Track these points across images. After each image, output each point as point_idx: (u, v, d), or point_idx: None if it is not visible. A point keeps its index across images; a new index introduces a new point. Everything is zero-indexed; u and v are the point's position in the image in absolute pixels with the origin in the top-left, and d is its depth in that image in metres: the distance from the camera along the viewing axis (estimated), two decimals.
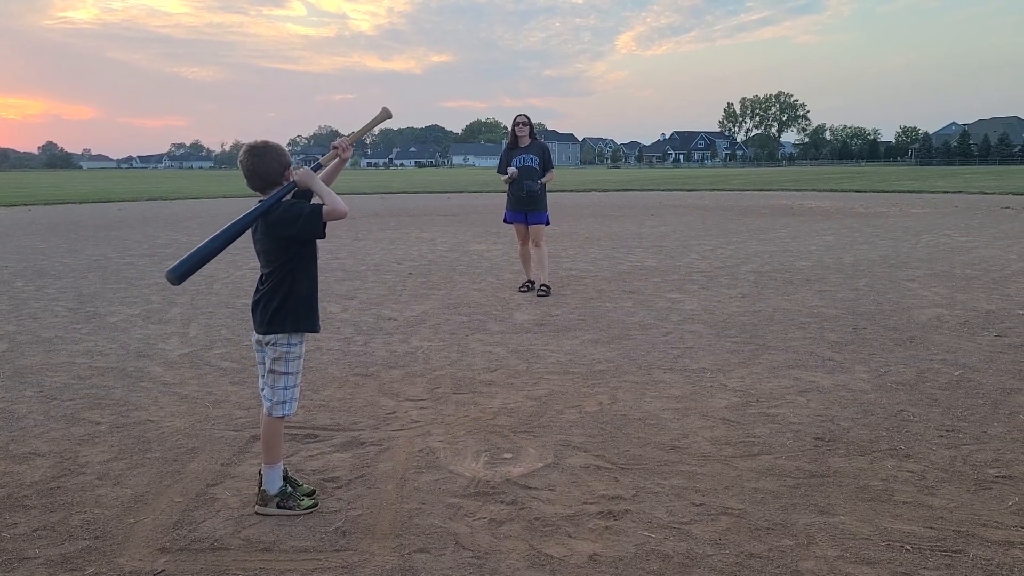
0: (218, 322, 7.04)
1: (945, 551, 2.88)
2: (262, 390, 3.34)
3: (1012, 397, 4.67)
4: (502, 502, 3.33)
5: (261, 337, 3.26)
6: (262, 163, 3.17)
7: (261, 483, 3.29)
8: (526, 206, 8.28)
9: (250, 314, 3.34)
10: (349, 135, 3.45)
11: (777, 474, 3.59)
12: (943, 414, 4.38)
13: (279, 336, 3.22)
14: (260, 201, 3.15)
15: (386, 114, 3.53)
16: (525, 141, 8.31)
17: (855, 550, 2.89)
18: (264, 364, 3.30)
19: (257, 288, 3.28)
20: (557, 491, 3.43)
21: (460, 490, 3.45)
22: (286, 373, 3.25)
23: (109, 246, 13.50)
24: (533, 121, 8.40)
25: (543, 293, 8.18)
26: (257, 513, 3.23)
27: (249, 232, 3.18)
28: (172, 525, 3.13)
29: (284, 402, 3.28)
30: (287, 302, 3.20)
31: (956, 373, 5.17)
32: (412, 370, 5.44)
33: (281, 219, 3.12)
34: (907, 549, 2.89)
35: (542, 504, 3.30)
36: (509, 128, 8.55)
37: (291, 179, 3.17)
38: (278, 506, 3.24)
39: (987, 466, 3.65)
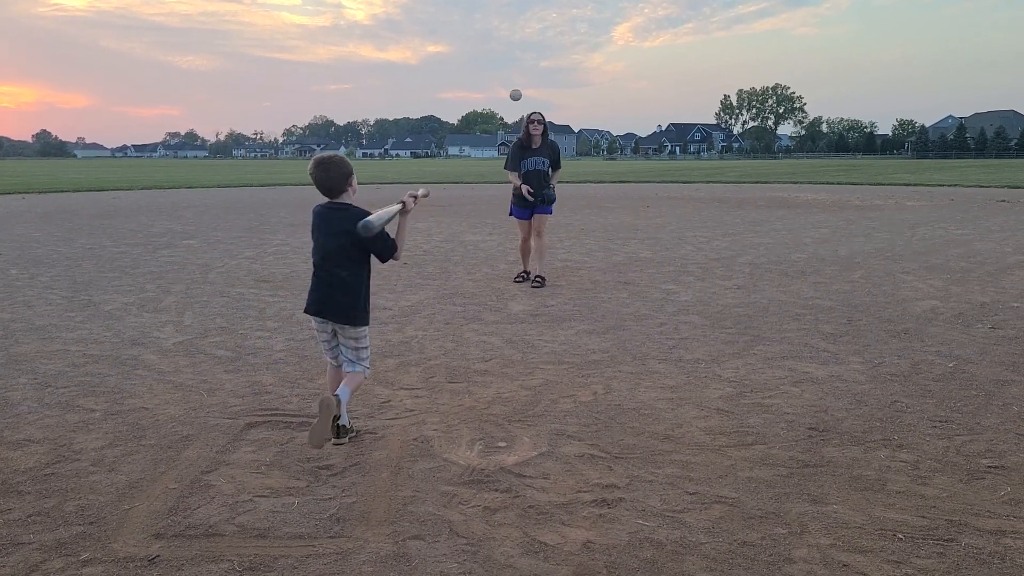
0: (213, 311, 7.03)
1: (937, 540, 2.89)
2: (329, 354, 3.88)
3: (1005, 389, 4.69)
4: (496, 490, 3.33)
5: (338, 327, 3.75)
6: (327, 176, 3.67)
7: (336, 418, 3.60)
8: (534, 204, 8.17)
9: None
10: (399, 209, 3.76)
11: (770, 464, 3.60)
12: (937, 405, 4.40)
13: (363, 328, 3.78)
14: (328, 206, 3.70)
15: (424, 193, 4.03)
16: (538, 141, 8.06)
17: (848, 539, 2.91)
18: (330, 341, 3.83)
19: (328, 281, 3.68)
20: (551, 479, 3.44)
21: (454, 478, 3.46)
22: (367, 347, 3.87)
23: (104, 234, 13.46)
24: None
25: (538, 284, 8.16)
26: (336, 443, 3.69)
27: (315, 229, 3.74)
28: (167, 511, 3.14)
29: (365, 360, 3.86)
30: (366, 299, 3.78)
31: (950, 365, 5.19)
32: (407, 359, 5.44)
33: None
34: (899, 538, 2.91)
35: (536, 492, 3.31)
36: (523, 123, 8.19)
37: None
38: (337, 431, 3.62)
39: (980, 456, 3.67)
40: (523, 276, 8.53)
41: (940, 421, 4.14)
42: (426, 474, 3.50)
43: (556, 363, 5.31)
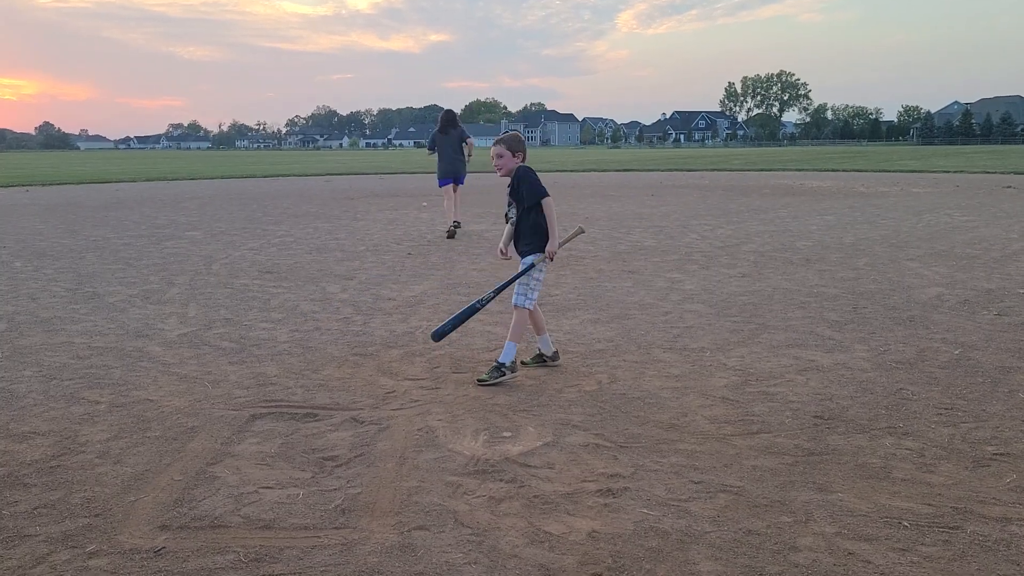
0: (216, 302, 7.04)
1: (943, 527, 2.89)
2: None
3: (1011, 376, 4.67)
4: (501, 480, 3.33)
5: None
6: (518, 142, 4.83)
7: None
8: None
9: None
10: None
11: (776, 452, 3.60)
12: (942, 392, 4.39)
13: (539, 255, 4.76)
14: (511, 198, 4.86)
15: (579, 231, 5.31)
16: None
17: (853, 527, 2.90)
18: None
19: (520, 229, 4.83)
20: (556, 469, 3.44)
21: (459, 468, 3.46)
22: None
23: (107, 227, 13.47)
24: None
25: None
26: (480, 383, 4.56)
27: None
28: (172, 503, 3.14)
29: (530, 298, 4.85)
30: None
31: (955, 352, 5.17)
32: (411, 350, 5.44)
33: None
34: (905, 525, 2.90)
35: (541, 482, 3.31)
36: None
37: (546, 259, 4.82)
38: (497, 372, 4.60)
39: (985, 444, 3.66)
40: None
41: (945, 408, 4.13)
42: (431, 464, 3.50)
43: (560, 352, 5.29)
